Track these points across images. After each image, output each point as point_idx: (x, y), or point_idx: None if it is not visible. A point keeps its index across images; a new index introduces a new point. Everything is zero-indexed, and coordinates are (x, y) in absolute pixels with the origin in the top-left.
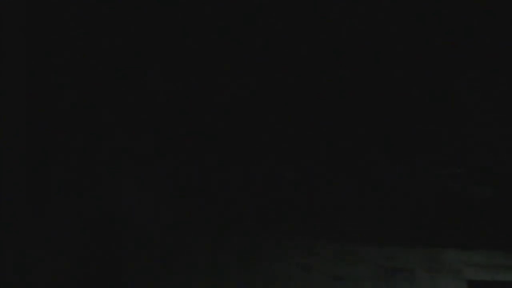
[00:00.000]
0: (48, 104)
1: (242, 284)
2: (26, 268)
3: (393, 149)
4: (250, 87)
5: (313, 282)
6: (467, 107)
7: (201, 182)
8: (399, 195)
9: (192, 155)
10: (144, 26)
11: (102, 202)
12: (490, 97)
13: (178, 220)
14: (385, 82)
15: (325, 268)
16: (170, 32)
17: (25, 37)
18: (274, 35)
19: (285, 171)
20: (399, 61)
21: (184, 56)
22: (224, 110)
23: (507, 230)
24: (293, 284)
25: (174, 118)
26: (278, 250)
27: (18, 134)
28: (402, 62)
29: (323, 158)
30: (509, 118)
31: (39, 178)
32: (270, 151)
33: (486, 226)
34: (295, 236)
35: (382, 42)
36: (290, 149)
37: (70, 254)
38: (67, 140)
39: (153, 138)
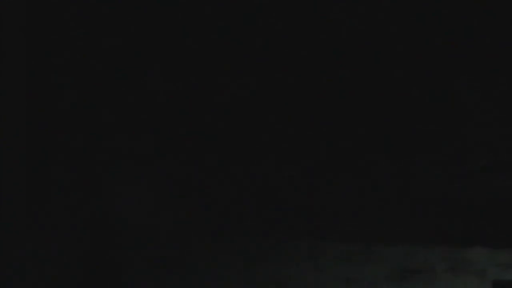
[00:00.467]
0: (48, 104)
1: (245, 287)
2: (26, 268)
3: (398, 147)
4: (250, 87)
5: (321, 284)
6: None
7: (202, 182)
8: (415, 189)
9: (193, 155)
10: (144, 26)
11: (101, 202)
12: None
13: (179, 220)
14: (388, 83)
15: (334, 269)
16: (170, 32)
17: (25, 37)
18: (275, 36)
19: (289, 169)
20: (399, 62)
21: (184, 56)
22: (225, 110)
23: None
24: (299, 286)
25: (174, 118)
26: (283, 251)
27: (18, 134)
28: (402, 63)
29: (331, 155)
30: None
31: (39, 178)
32: (274, 149)
33: None
34: (301, 235)
35: (382, 42)
36: (295, 147)
37: (70, 254)
38: (67, 140)
39: (153, 138)
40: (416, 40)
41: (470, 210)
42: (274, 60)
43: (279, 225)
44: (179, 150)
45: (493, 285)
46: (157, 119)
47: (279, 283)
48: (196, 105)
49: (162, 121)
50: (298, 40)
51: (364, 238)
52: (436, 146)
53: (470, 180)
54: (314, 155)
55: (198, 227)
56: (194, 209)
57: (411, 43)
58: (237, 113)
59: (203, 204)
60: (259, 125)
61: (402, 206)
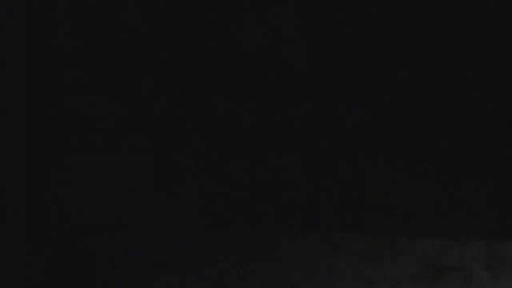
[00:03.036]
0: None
1: None
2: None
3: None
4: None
5: (337, 286)
6: None
7: (195, 171)
8: (445, 175)
9: (182, 140)
10: (143, 25)
11: (63, 198)
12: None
13: (168, 216)
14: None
15: (353, 269)
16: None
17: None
18: (272, 30)
19: (297, 150)
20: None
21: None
22: (220, 81)
23: None
24: None
25: (159, 97)
26: (292, 247)
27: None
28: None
29: (346, 134)
30: None
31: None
32: (279, 127)
33: None
34: (312, 228)
35: (382, 41)
36: (305, 123)
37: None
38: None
39: (132, 120)
40: (416, 39)
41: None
42: (274, 56)
43: (284, 216)
44: (168, 134)
45: None
46: (140, 100)
47: (286, 286)
48: (183, 78)
49: (145, 101)
50: (297, 38)
51: (388, 231)
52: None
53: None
54: (327, 133)
55: (190, 223)
56: (184, 201)
57: (410, 42)
58: (236, 89)
59: (195, 195)
60: (263, 100)
61: (433, 193)
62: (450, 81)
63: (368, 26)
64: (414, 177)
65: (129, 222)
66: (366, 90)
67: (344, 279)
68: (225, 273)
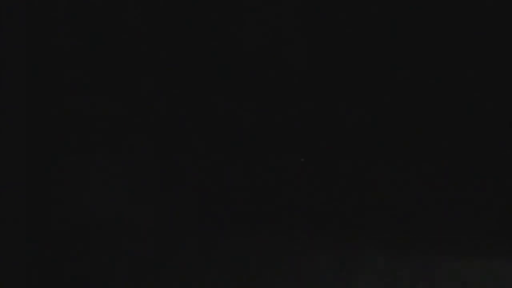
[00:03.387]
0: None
1: None
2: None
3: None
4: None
5: (338, 286)
6: None
7: (196, 168)
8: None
9: (187, 143)
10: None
11: (59, 195)
12: None
13: (166, 215)
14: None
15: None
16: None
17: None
18: (272, 30)
19: (300, 148)
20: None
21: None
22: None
23: None
24: None
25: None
26: (292, 247)
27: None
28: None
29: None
30: None
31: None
32: (287, 124)
33: None
34: (330, 242)
35: (382, 41)
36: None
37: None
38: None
39: (130, 117)
40: (416, 39)
41: None
42: (275, 56)
43: (284, 216)
44: (168, 134)
45: None
46: (140, 100)
47: (287, 286)
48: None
49: (145, 101)
50: (298, 37)
51: (422, 247)
52: None
53: None
54: (327, 133)
55: (190, 223)
56: (184, 201)
57: (410, 42)
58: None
59: (195, 195)
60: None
61: (478, 204)
62: (450, 81)
63: (368, 26)
64: (455, 184)
65: (129, 222)
66: (366, 90)
67: (345, 279)
68: (225, 273)
